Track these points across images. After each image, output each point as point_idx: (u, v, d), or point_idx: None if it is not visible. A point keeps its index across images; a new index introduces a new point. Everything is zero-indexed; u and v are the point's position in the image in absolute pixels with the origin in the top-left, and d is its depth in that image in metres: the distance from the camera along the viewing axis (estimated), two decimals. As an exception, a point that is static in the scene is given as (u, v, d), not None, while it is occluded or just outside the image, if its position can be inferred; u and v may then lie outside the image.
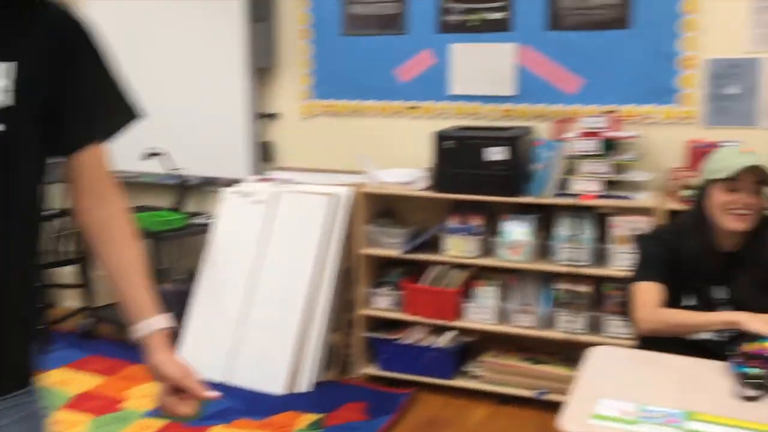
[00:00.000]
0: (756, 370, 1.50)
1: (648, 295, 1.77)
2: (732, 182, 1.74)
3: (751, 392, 1.47)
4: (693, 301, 1.80)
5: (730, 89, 2.73)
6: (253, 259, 3.05)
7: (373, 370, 3.03)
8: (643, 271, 1.83)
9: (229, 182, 3.27)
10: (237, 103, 3.33)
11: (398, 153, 3.12)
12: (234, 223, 3.12)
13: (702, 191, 1.83)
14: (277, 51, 3.33)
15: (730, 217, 1.76)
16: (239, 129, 3.35)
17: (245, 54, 3.27)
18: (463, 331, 2.91)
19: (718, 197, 1.77)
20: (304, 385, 2.91)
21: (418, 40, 3.09)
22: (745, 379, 1.49)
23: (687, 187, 2.50)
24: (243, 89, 3.31)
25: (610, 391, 1.46)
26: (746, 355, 1.54)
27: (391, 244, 2.96)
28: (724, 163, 1.77)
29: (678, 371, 1.62)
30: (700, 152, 2.51)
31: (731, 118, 2.74)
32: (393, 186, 2.93)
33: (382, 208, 3.12)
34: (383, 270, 3.09)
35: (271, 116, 3.40)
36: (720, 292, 1.81)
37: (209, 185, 3.43)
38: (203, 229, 3.23)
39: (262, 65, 3.31)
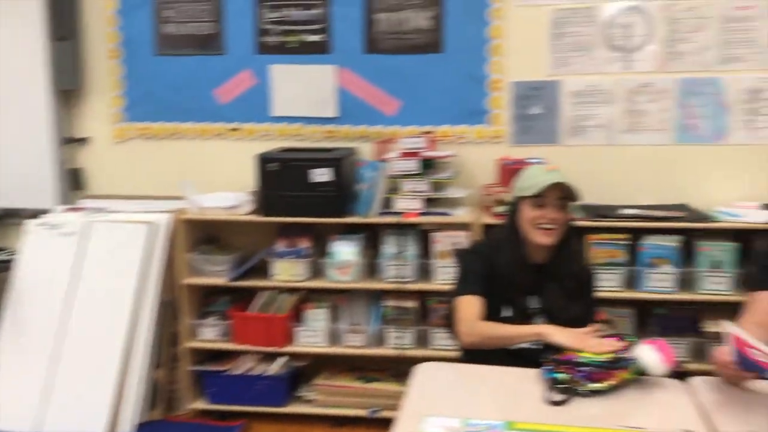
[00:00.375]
0: (563, 375, 1.62)
1: (468, 308, 1.89)
2: (539, 199, 1.90)
3: (558, 396, 1.58)
4: (510, 312, 1.94)
5: (533, 110, 3.08)
6: (64, 296, 2.96)
7: (201, 404, 3.04)
8: (463, 285, 1.96)
9: (35, 213, 3.17)
10: (41, 127, 3.24)
11: (220, 176, 3.17)
12: (41, 258, 3.02)
13: (513, 207, 2.00)
14: (85, 72, 3.29)
15: (538, 231, 1.92)
16: (44, 155, 3.26)
17: (48, 75, 3.20)
18: (295, 356, 2.99)
19: (527, 213, 1.94)
20: (127, 426, 2.87)
21: (236, 60, 3.17)
22: (553, 385, 1.61)
23: (499, 203, 2.74)
24: (47, 112, 3.23)
25: (436, 408, 1.53)
26: (556, 361, 1.66)
27: (216, 272, 3.00)
28: (531, 180, 1.93)
29: (498, 382, 1.72)
30: (509, 169, 2.78)
31: (535, 136, 3.08)
32: (216, 211, 2.96)
33: (205, 235, 3.15)
34: (209, 299, 3.12)
35: (80, 141, 3.33)
36: (533, 302, 1.97)
37: (11, 217, 3.30)
38: (5, 266, 3.09)
39: (68, 86, 3.25)
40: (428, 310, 2.95)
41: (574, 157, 3.02)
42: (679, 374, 1.73)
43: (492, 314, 1.91)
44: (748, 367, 1.57)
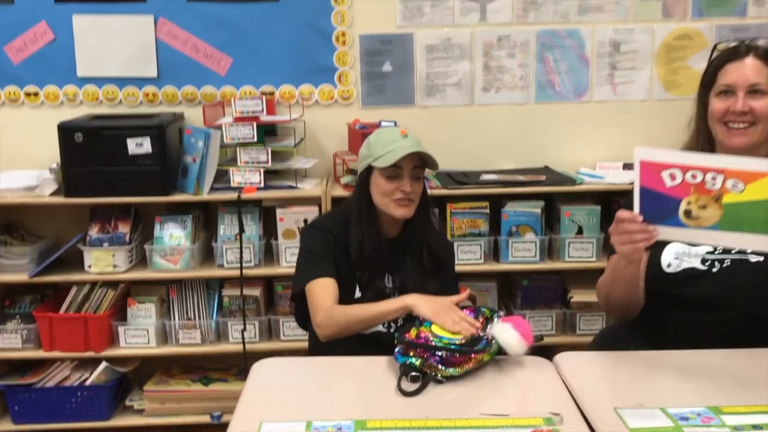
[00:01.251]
0: (416, 360, 1.61)
1: (322, 294, 1.89)
2: (393, 169, 1.93)
3: (411, 386, 1.58)
4: (366, 293, 1.98)
5: (385, 67, 3.15)
6: None
7: (5, 425, 2.91)
8: (312, 268, 1.95)
9: None
10: None
11: (16, 152, 3.06)
12: None
13: (363, 178, 2.00)
14: None
15: (394, 204, 1.95)
16: None
17: None
18: (119, 361, 2.96)
19: (381, 185, 1.95)
20: None
21: (29, 10, 3.01)
22: (406, 371, 1.60)
23: (352, 172, 2.80)
24: None
25: (276, 411, 1.51)
26: (407, 343, 1.65)
27: (16, 267, 2.90)
28: (383, 148, 1.94)
29: (347, 374, 1.72)
30: (360, 134, 2.76)
31: (388, 97, 3.16)
32: (12, 193, 2.86)
33: (1, 223, 3.03)
34: (9, 300, 2.99)
35: None
36: (388, 281, 2.02)
37: None
38: None
39: None
40: (275, 298, 2.97)
41: (431, 120, 3.12)
42: (545, 349, 1.81)
43: (343, 298, 1.94)
44: (655, 212, 1.60)
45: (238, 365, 3.03)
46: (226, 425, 2.73)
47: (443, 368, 1.63)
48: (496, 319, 1.76)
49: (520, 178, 2.94)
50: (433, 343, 1.64)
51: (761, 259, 1.81)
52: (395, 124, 2.87)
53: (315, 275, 1.94)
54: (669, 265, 1.87)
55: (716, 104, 1.85)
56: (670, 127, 3.03)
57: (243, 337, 2.90)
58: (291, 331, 2.92)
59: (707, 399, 1.52)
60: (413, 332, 1.71)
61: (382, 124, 2.87)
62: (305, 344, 2.63)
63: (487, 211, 2.91)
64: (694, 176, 1.58)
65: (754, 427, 1.44)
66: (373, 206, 2.00)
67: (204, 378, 3.03)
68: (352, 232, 1.99)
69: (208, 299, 2.97)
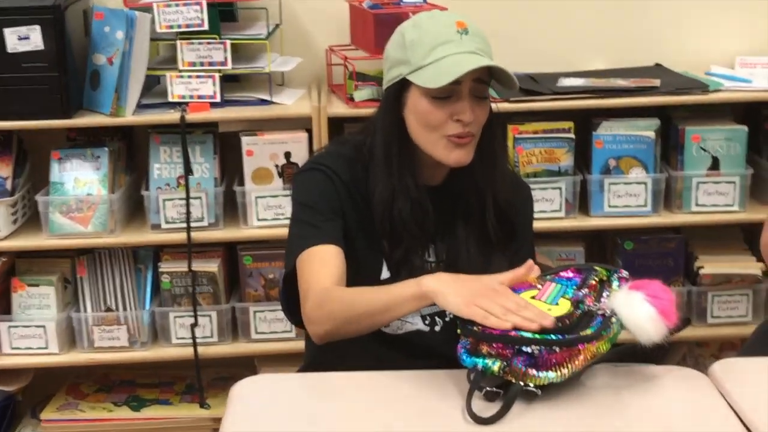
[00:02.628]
0: (488, 362, 1.49)
1: (318, 269, 1.76)
2: (447, 88, 1.74)
3: (486, 406, 1.45)
4: (398, 274, 1.83)
5: None
6: None
7: None
8: (307, 231, 1.81)
9: None
10: None
11: None
12: None
13: (394, 95, 1.82)
14: None
15: (446, 142, 1.77)
16: None
17: None
18: (1, 375, 2.78)
19: (425, 112, 1.77)
20: None
21: None
22: (479, 380, 1.49)
23: (359, 79, 2.62)
24: None
25: None
26: (478, 335, 1.51)
27: None
28: (430, 54, 1.75)
29: (382, 396, 1.60)
30: (372, 17, 2.57)
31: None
32: None
33: None
34: None
35: None
36: (430, 254, 1.89)
37: None
38: None
39: None
40: (242, 275, 2.80)
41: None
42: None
43: (360, 277, 1.80)
44: None
45: (186, 379, 2.90)
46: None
47: (536, 373, 1.47)
48: (616, 283, 1.62)
49: (621, 82, 2.74)
50: (519, 334, 1.48)
51: None
52: (425, 1, 2.69)
53: (311, 241, 1.78)
54: None
55: None
56: None
57: (194, 337, 2.70)
58: (268, 326, 2.76)
59: None
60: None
61: (403, 0, 2.68)
62: (294, 345, 2.68)
63: (571, 135, 2.73)
64: None
65: None
66: (408, 142, 1.83)
67: (133, 400, 2.87)
68: (375, 183, 1.83)
69: (137, 279, 2.80)
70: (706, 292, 2.80)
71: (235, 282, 2.83)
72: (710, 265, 2.81)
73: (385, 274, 1.85)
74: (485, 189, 1.87)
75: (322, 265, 1.76)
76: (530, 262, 1.68)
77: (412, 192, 1.83)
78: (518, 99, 2.63)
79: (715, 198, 2.72)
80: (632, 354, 1.55)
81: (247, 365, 2.77)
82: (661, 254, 2.85)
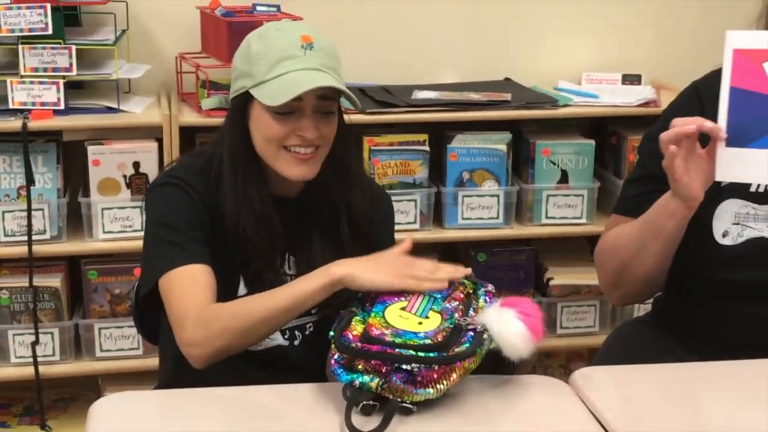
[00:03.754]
0: (366, 378, 1.48)
1: (189, 291, 1.71)
2: (288, 103, 1.74)
3: (366, 422, 1.44)
4: (253, 288, 1.81)
5: None
6: None
7: None
8: (168, 250, 1.76)
9: None
10: None
11: None
12: None
13: (239, 107, 1.81)
14: None
15: (288, 158, 1.77)
16: None
17: None
18: None
19: (266, 126, 1.76)
20: None
21: None
22: (353, 397, 1.48)
23: (211, 87, 2.62)
24: None
25: None
26: (353, 350, 1.50)
27: None
28: (273, 68, 1.75)
29: (251, 415, 1.56)
30: (225, 25, 2.59)
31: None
32: None
33: None
34: None
35: None
36: (288, 266, 1.88)
37: None
38: None
39: None
40: (86, 290, 2.75)
41: (332, 8, 2.91)
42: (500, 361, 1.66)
43: (219, 294, 1.76)
44: (749, 124, 1.63)
45: (25, 400, 2.83)
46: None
47: (414, 390, 1.47)
48: (484, 298, 1.63)
49: (474, 96, 2.80)
50: (396, 351, 1.48)
51: None
52: (278, 9, 2.73)
53: (174, 261, 1.73)
54: (725, 235, 1.86)
55: None
56: (690, 21, 3.12)
57: (35, 355, 2.63)
58: (113, 343, 2.72)
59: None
60: (358, 327, 1.54)
61: (257, 8, 2.73)
62: (139, 363, 2.69)
63: (426, 147, 2.78)
64: None
65: None
66: (256, 154, 1.81)
67: None
68: (224, 197, 1.80)
69: None
70: (555, 303, 2.88)
71: (78, 298, 2.76)
72: (559, 277, 2.89)
73: (243, 290, 1.83)
74: (339, 202, 1.88)
75: (194, 285, 1.73)
76: (410, 237, 1.73)
77: (257, 206, 1.81)
78: (373, 111, 2.65)
79: (564, 210, 2.79)
80: (492, 367, 1.59)
81: (91, 385, 2.73)
82: (512, 266, 2.90)
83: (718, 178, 1.68)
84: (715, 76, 1.77)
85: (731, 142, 1.64)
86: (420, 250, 2.73)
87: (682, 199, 1.71)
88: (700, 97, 1.90)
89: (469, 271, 1.67)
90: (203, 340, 1.67)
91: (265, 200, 1.81)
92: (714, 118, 1.66)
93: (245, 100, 1.78)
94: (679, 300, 1.94)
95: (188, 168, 1.88)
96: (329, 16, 2.81)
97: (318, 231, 1.88)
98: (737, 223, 1.85)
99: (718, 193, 1.80)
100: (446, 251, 2.95)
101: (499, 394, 1.60)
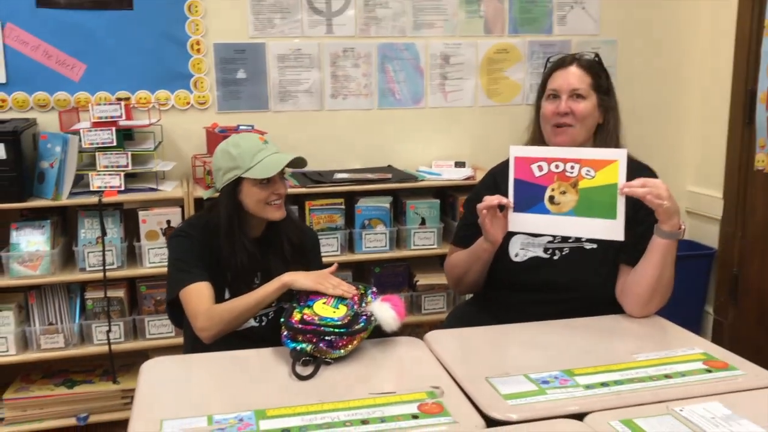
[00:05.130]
0: (304, 345, 1.56)
1: (199, 299, 1.77)
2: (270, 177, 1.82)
3: (305, 370, 1.53)
4: (235, 295, 1.84)
5: (239, 74, 3.04)
6: None
7: None
8: (184, 275, 1.81)
9: None
10: None
11: None
12: None
13: (231, 188, 1.85)
14: None
15: (271, 208, 1.85)
16: None
17: None
18: None
19: (256, 194, 1.83)
20: None
21: None
22: (298, 356, 1.55)
23: (210, 174, 2.66)
24: None
25: (174, 409, 1.39)
26: (295, 329, 1.58)
27: None
28: (253, 159, 1.82)
29: (242, 367, 1.62)
30: (219, 137, 2.66)
31: (243, 102, 3.05)
32: None
33: None
34: None
35: None
36: (256, 279, 1.90)
37: None
38: None
39: None
40: (139, 298, 2.79)
41: (284, 124, 3.06)
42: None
43: (215, 298, 1.84)
44: (525, 199, 1.72)
45: (103, 366, 2.86)
46: (92, 426, 2.70)
47: (332, 351, 1.58)
48: (370, 295, 1.72)
49: (370, 176, 2.93)
50: (321, 328, 1.58)
51: (595, 246, 1.87)
52: (252, 127, 2.83)
53: (187, 281, 1.80)
54: (516, 255, 1.91)
55: (545, 107, 1.91)
56: (492, 129, 3.28)
57: (108, 338, 2.69)
58: (156, 330, 2.78)
59: (560, 364, 1.57)
60: (297, 315, 1.63)
61: (240, 127, 2.82)
62: (173, 341, 2.70)
63: (343, 206, 2.89)
64: (557, 166, 1.71)
65: (602, 384, 1.51)
66: (242, 215, 1.87)
67: (67, 381, 2.79)
68: (222, 244, 1.85)
69: (69, 303, 2.73)
70: (420, 295, 2.99)
71: (135, 303, 2.79)
72: (423, 279, 3.02)
73: (227, 295, 1.86)
74: (283, 236, 1.93)
75: (199, 295, 1.77)
76: (336, 263, 1.83)
77: (248, 246, 1.86)
78: (311, 186, 2.79)
79: (424, 241, 2.94)
80: (378, 335, 1.68)
81: (144, 356, 2.72)
82: (395, 274, 3.03)
83: (510, 230, 1.79)
84: (504, 165, 1.88)
85: (516, 209, 1.76)
86: (343, 266, 2.74)
87: (489, 242, 1.81)
88: (495, 178, 1.98)
89: (355, 290, 1.71)
90: (209, 327, 1.75)
91: (250, 243, 1.87)
92: (504, 191, 1.76)
93: (236, 184, 1.83)
94: (492, 292, 1.98)
95: (193, 224, 1.93)
96: (282, 131, 2.98)
97: (274, 255, 1.91)
98: (523, 249, 1.91)
99: (514, 232, 1.87)
100: (357, 267, 3.03)
101: (382, 349, 1.68)
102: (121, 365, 2.84)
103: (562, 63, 1.92)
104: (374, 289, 1.75)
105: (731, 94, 3.29)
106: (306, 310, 1.64)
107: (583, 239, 1.87)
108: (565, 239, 1.88)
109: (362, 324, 1.62)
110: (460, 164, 3.16)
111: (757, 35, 3.10)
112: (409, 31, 3.17)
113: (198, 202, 2.64)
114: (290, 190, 2.51)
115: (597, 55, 1.95)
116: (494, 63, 3.29)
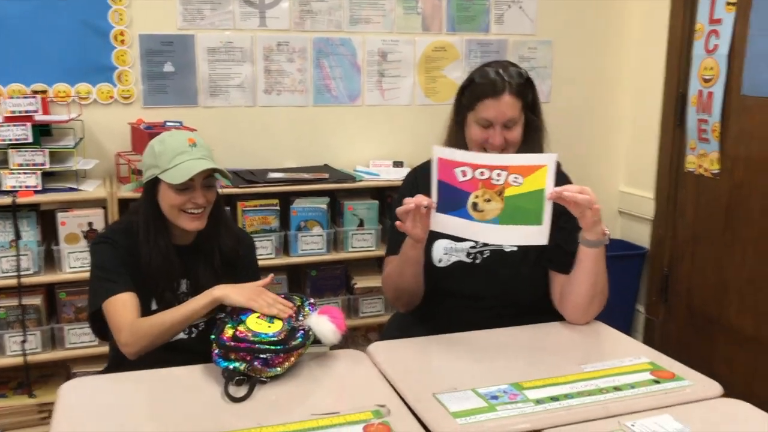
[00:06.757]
0: (237, 364, 1.47)
1: (122, 311, 1.69)
2: (184, 182, 1.74)
3: (240, 390, 1.45)
4: (161, 303, 1.79)
5: (166, 67, 2.90)
6: None
7: None
8: (107, 285, 1.73)
9: None
10: None
11: None
12: None
13: (150, 187, 1.79)
14: None
15: (186, 217, 1.77)
16: None
17: None
18: None
19: (170, 198, 1.75)
20: None
21: None
22: (231, 376, 1.47)
23: (138, 173, 2.55)
24: None
25: None
26: (227, 347, 1.49)
27: None
28: (171, 161, 1.73)
29: (170, 386, 1.52)
30: (145, 134, 2.57)
31: (171, 97, 2.91)
32: None
33: None
34: None
35: None
36: (182, 286, 1.84)
37: None
38: None
39: None
40: (58, 305, 2.65)
41: (215, 120, 2.96)
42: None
43: (143, 311, 1.75)
44: (449, 203, 1.64)
45: (18, 378, 2.70)
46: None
47: (268, 370, 1.51)
48: (308, 308, 1.66)
49: (306, 176, 2.86)
50: (256, 345, 1.50)
51: (515, 248, 1.86)
52: (181, 124, 2.76)
53: (111, 292, 1.71)
54: (440, 261, 1.88)
55: (476, 132, 1.84)
56: (430, 129, 3.23)
57: (23, 349, 2.56)
58: (77, 338, 2.64)
59: (508, 377, 1.53)
60: (229, 331, 1.54)
61: (167, 124, 2.73)
62: (95, 350, 2.59)
63: (277, 207, 2.82)
64: (482, 173, 1.62)
65: (552, 398, 1.48)
66: (162, 216, 1.79)
67: None
68: (140, 245, 1.78)
69: None
70: (358, 298, 2.96)
71: (54, 310, 2.67)
72: (360, 282, 2.99)
73: (154, 305, 1.79)
74: (215, 245, 1.86)
75: (123, 307, 1.70)
76: (271, 275, 1.75)
77: (164, 251, 1.78)
78: (244, 186, 2.70)
79: (361, 243, 2.89)
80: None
81: (63, 367, 2.67)
82: (332, 277, 2.98)
83: (432, 229, 1.71)
84: (426, 164, 1.84)
85: (439, 210, 1.67)
86: (278, 270, 2.82)
87: (414, 240, 1.74)
88: (416, 177, 1.96)
89: (291, 309, 1.64)
90: (133, 342, 1.65)
91: (168, 247, 1.79)
92: (425, 190, 1.69)
93: (154, 183, 1.77)
94: (424, 300, 1.93)
95: (115, 229, 1.84)
96: (212, 127, 2.88)
97: (203, 263, 1.85)
98: (446, 254, 1.87)
99: (436, 237, 1.83)
100: (292, 270, 2.96)
101: (321, 365, 1.61)
102: (38, 377, 2.72)
103: (494, 90, 1.81)
104: (311, 301, 1.69)
105: (663, 96, 3.35)
106: (239, 326, 1.56)
107: (518, 245, 1.84)
108: (486, 243, 1.86)
109: (300, 339, 1.56)
110: (398, 164, 3.13)
111: (688, 39, 3.16)
112: (345, 25, 3.10)
113: (123, 203, 2.55)
114: (223, 191, 2.38)
115: (526, 72, 1.87)
116: (432, 61, 3.26)
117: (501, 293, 1.86)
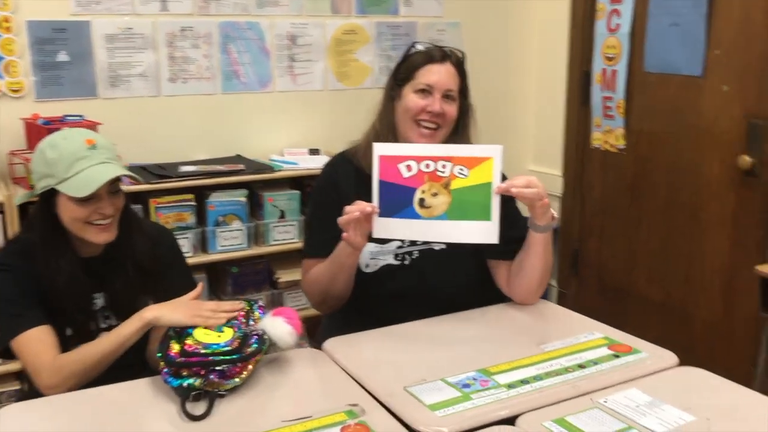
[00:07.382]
0: (191, 381, 1.38)
1: (37, 349, 1.51)
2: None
3: (196, 408, 1.36)
4: (74, 326, 1.63)
5: (60, 56, 2.68)
6: None
7: None
8: (13, 321, 1.55)
9: None
10: None
11: None
12: None
13: (45, 198, 1.58)
14: None
15: (93, 229, 1.58)
16: None
17: None
18: None
19: (72, 211, 1.56)
20: None
21: None
22: (187, 393, 1.38)
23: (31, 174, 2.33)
24: None
25: None
26: (177, 364, 1.39)
27: None
28: (69, 169, 1.53)
29: (117, 407, 1.39)
30: (41, 130, 2.40)
31: (67, 89, 2.70)
32: None
33: None
34: None
35: None
36: (98, 302, 1.69)
37: None
38: None
39: None
40: None
41: (117, 112, 2.78)
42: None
43: (58, 338, 1.58)
44: (393, 204, 1.59)
45: None
46: None
47: (226, 382, 1.42)
48: (257, 311, 1.57)
49: (220, 168, 2.75)
50: (209, 358, 1.40)
51: (444, 246, 1.83)
52: (82, 118, 2.59)
53: (19, 328, 1.53)
54: (367, 266, 1.83)
55: (414, 100, 1.79)
56: (344, 114, 3.17)
57: None
58: None
59: (474, 363, 1.52)
60: (176, 346, 1.43)
61: (67, 118, 2.56)
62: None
63: (193, 203, 2.70)
64: (427, 165, 1.59)
65: (523, 381, 1.47)
66: (61, 230, 1.60)
67: None
68: (39, 265, 1.58)
69: None
70: (282, 292, 2.90)
71: None
72: (284, 276, 2.91)
73: (69, 331, 1.63)
74: (128, 252, 1.70)
75: (40, 344, 1.53)
76: (201, 284, 1.64)
77: (67, 269, 1.61)
78: (154, 181, 2.57)
79: (283, 235, 2.83)
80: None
81: None
82: (255, 272, 2.89)
83: (375, 236, 1.63)
84: (341, 156, 1.85)
85: (382, 214, 1.60)
86: (196, 269, 2.62)
87: (352, 247, 1.67)
88: (335, 170, 1.88)
89: (242, 304, 1.55)
90: (58, 383, 1.50)
91: (73, 264, 1.61)
92: (345, 189, 1.68)
93: (50, 194, 1.57)
94: (354, 302, 1.86)
95: (11, 253, 1.65)
96: (114, 120, 2.69)
97: (118, 274, 1.69)
98: (373, 258, 1.81)
99: None
100: (211, 268, 2.85)
101: (281, 368, 1.54)
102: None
103: (436, 57, 1.80)
104: (261, 303, 1.60)
105: (567, 75, 3.45)
106: (187, 339, 1.46)
107: (432, 243, 1.81)
108: (413, 242, 1.82)
109: (255, 345, 1.47)
110: (314, 151, 3.06)
111: (590, 18, 3.26)
112: (252, 8, 2.99)
113: (22, 207, 2.32)
114: (131, 188, 2.30)
115: (462, 53, 1.86)
116: (343, 44, 3.20)
117: (429, 292, 1.83)
